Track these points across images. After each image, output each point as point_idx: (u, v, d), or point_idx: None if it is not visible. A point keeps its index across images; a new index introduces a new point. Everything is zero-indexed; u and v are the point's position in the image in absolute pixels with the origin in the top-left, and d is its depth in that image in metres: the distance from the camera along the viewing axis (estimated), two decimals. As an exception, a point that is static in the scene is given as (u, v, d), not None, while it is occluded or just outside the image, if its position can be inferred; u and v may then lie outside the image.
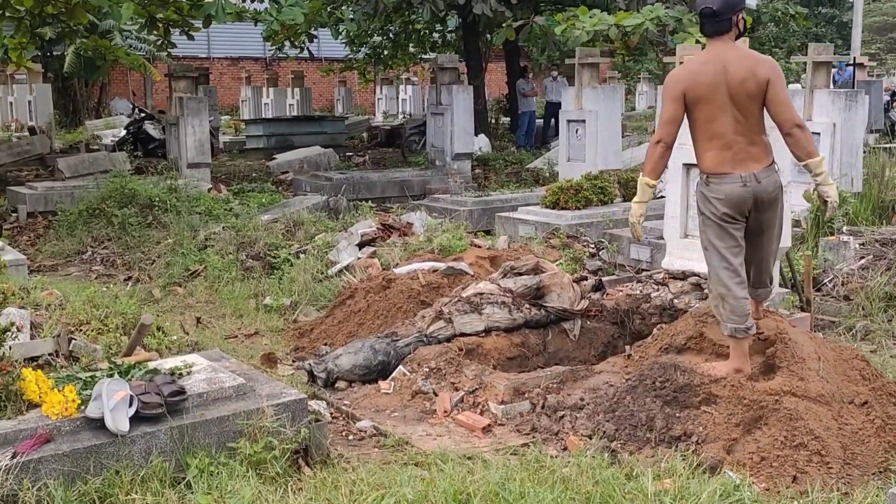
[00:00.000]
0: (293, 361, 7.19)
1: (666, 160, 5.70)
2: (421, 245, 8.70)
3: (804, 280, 7.68)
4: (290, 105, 28.89)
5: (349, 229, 9.61)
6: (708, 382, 5.60)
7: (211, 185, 14.16)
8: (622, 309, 7.73)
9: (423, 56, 25.67)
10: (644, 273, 8.25)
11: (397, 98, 33.31)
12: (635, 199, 5.86)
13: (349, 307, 7.61)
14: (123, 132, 21.77)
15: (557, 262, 8.68)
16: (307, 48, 22.48)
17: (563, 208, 11.08)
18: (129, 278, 9.77)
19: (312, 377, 6.66)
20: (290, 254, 9.33)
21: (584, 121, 13.38)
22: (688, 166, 7.73)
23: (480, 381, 6.25)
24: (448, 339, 7.00)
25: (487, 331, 7.13)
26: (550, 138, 23.31)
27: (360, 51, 24.21)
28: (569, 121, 13.65)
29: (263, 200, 12.46)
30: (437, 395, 6.21)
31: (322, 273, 8.53)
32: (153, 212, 11.67)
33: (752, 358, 5.69)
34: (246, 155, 23.31)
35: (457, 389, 6.26)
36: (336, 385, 6.60)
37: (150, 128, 20.61)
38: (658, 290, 7.95)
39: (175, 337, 6.40)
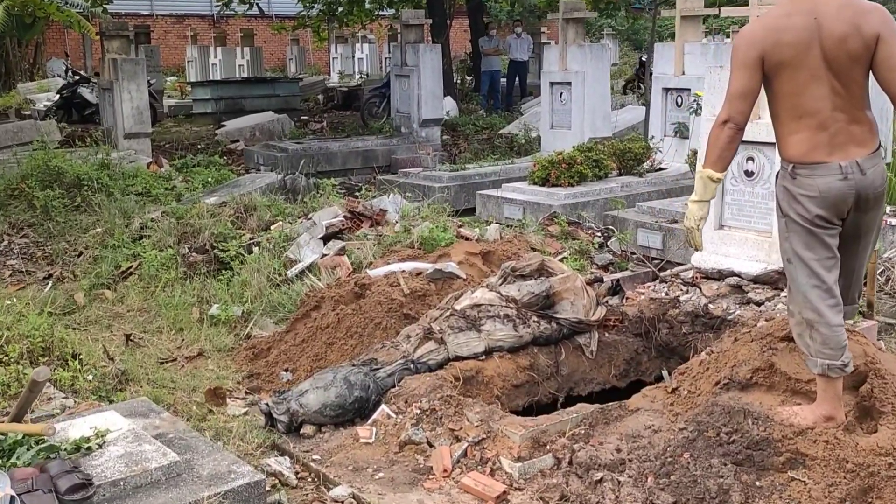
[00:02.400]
0: (246, 394, 5.76)
1: (736, 146, 4.32)
2: (398, 237, 7.27)
3: (867, 279, 6.35)
4: (239, 66, 27.07)
5: (312, 217, 8.14)
6: (792, 436, 4.29)
7: (151, 159, 12.54)
8: (646, 317, 6.39)
9: (381, 12, 23.98)
10: (668, 271, 6.89)
11: (353, 57, 31.58)
12: (694, 196, 4.47)
13: (315, 321, 6.17)
14: (56, 97, 19.97)
15: (561, 257, 7.29)
16: (257, 4, 20.76)
17: (554, 185, 9.69)
18: (50, 276, 8.23)
19: (272, 420, 5.24)
20: (241, 246, 7.85)
21: (569, 83, 11.99)
22: (724, 143, 6.34)
23: (488, 429, 4.87)
24: (440, 365, 5.62)
25: (488, 352, 5.76)
26: (515, 99, 21.89)
27: (313, 7, 22.46)
28: (552, 83, 12.24)
29: (210, 178, 10.91)
30: (432, 447, 4.83)
31: (280, 274, 7.07)
32: (82, 192, 10.09)
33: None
34: (193, 120, 21.60)
35: (458, 439, 4.88)
36: (302, 430, 5.19)
37: (86, 92, 18.88)
38: (688, 292, 6.61)
39: (91, 376, 4.93)
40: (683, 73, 10.76)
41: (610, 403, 5.13)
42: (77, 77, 19.53)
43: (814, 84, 4.07)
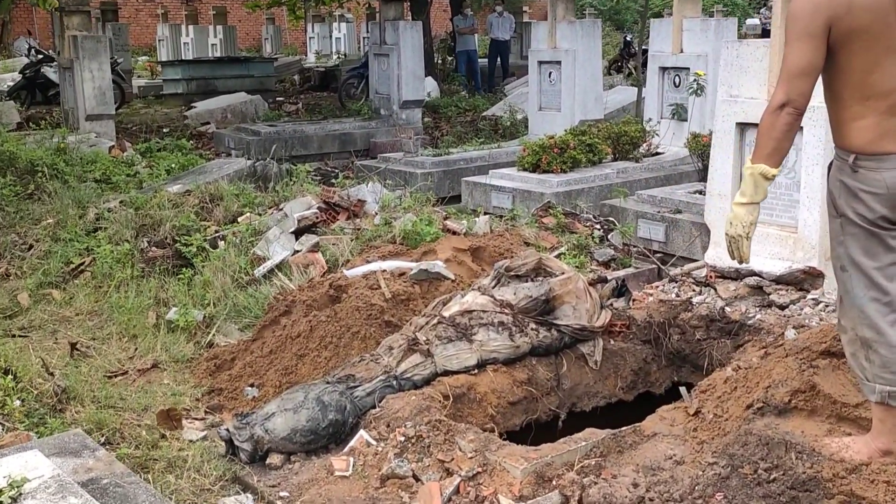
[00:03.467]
0: (206, 414, 5.06)
1: (794, 134, 3.64)
2: (378, 231, 6.56)
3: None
4: (212, 45, 26.16)
5: (283, 207, 7.41)
6: (845, 474, 3.64)
7: (113, 143, 11.75)
8: (656, 322, 5.72)
9: (359, -10, 23.17)
10: (679, 269, 6.21)
11: (330, 37, 30.70)
12: (740, 198, 3.77)
13: (284, 328, 5.47)
14: (19, 77, 19.09)
15: (559, 253, 6.60)
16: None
17: (545, 171, 8.99)
18: (-4, 272, 7.47)
19: (233, 448, 4.54)
20: (205, 240, 7.12)
21: (559, 62, 11.29)
22: (743, 126, 5.68)
23: (484, 460, 4.19)
24: (427, 381, 4.94)
25: (481, 365, 5.08)
26: (498, 80, 21.16)
27: (289, -17, 21.63)
28: (540, 62, 11.53)
29: (175, 164, 10.14)
30: (418, 482, 4.15)
31: (246, 273, 6.35)
32: (35, 179, 9.32)
33: None
34: (163, 101, 20.77)
35: (449, 472, 4.20)
36: (268, 460, 4.50)
37: (50, 72, 17.97)
38: (701, 293, 5.95)
39: (18, 402, 4.21)
40: (682, 51, 10.08)
41: (623, 428, 4.45)
42: (40, 56, 18.63)
43: (888, 59, 3.38)
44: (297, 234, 6.68)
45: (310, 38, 31.92)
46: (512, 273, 5.58)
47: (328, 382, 4.80)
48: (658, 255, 7.54)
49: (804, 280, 5.57)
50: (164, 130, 14.73)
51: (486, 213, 8.37)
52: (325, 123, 13.59)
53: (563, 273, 5.62)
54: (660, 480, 4.02)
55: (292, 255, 6.38)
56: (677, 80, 10.18)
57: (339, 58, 27.89)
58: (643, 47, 15.36)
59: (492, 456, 4.20)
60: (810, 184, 5.36)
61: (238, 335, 5.80)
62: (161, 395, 5.18)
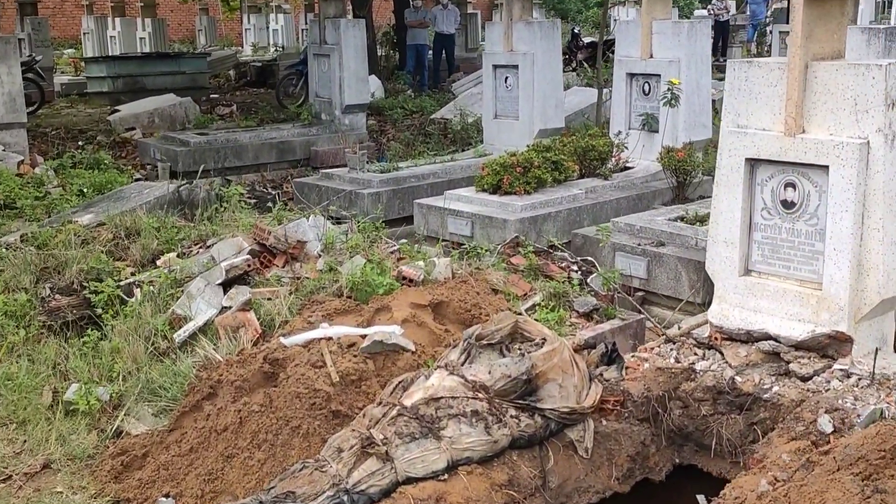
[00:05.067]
0: (109, 536, 4.04)
1: None
2: (321, 281, 5.58)
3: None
4: (140, 39, 24.72)
5: (210, 245, 6.38)
6: None
7: (23, 158, 10.55)
8: (654, 395, 4.82)
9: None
10: (678, 328, 5.32)
11: (267, 28, 29.43)
12: None
13: (209, 418, 4.47)
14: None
15: (533, 304, 5.68)
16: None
17: (507, 192, 8.05)
18: None
19: None
20: (118, 287, 6.07)
21: (515, 66, 10.34)
22: (754, 163, 4.79)
23: None
24: (386, 493, 3.99)
25: (452, 466, 4.13)
26: (443, 75, 20.20)
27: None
28: (496, 66, 10.57)
29: (90, 184, 9.03)
30: None
31: (164, 337, 5.31)
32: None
33: None
34: (87, 100, 19.44)
35: None
36: None
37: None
38: (705, 357, 5.06)
39: None
40: (651, 56, 9.19)
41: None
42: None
43: None
44: (226, 284, 5.65)
45: (245, 29, 30.58)
46: (484, 342, 4.64)
47: (261, 502, 3.82)
48: (639, 293, 6.65)
49: (828, 346, 4.71)
50: (86, 136, 13.50)
51: (443, 241, 7.45)
52: (261, 131, 12.49)
53: (543, 339, 4.69)
54: None
55: (219, 313, 5.36)
56: (647, 87, 9.31)
57: (276, 51, 26.68)
58: (605, 38, 14.50)
59: None
60: (838, 234, 4.50)
61: (152, 421, 4.78)
62: (53, 509, 4.15)
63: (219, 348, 5.04)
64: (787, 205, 4.76)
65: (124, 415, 4.85)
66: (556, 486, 4.41)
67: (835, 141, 4.48)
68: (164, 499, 4.22)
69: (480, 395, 4.32)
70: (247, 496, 4.11)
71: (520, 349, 4.67)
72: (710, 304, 6.39)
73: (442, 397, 4.25)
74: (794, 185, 4.72)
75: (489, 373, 4.41)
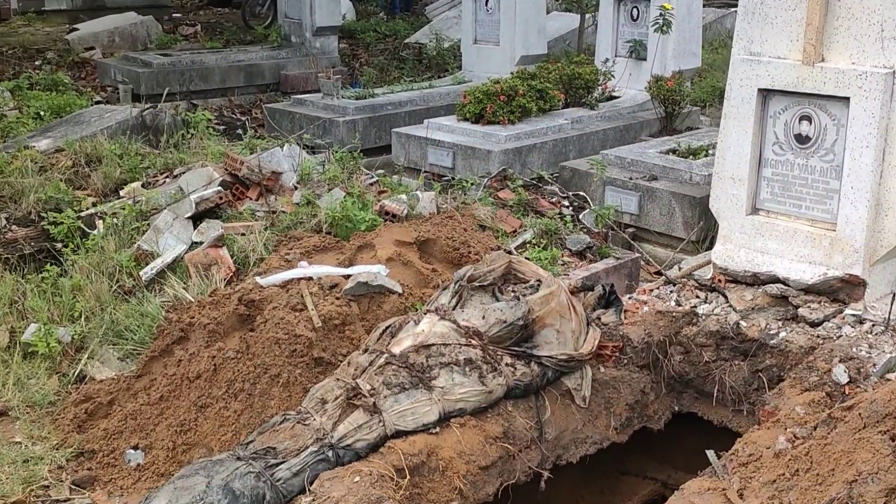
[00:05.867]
0: (71, 493, 3.74)
1: None
2: (298, 216, 5.23)
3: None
4: (100, -46, 23.67)
5: (177, 174, 5.98)
6: None
7: (-24, 79, 9.98)
8: (655, 341, 4.55)
9: None
10: (678, 269, 5.03)
11: (232, -55, 28.32)
12: None
13: (180, 364, 4.14)
14: None
15: (524, 241, 5.36)
16: None
17: (490, 122, 7.68)
18: None
19: (106, 563, 3.25)
20: (78, 218, 5.68)
21: (497, -12, 9.84)
22: (767, 94, 4.46)
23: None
24: (374, 447, 3.68)
25: (444, 418, 3.84)
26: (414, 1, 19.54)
27: None
28: (476, -13, 10.07)
29: (48, 107, 8.52)
30: None
31: (130, 274, 4.95)
32: None
33: None
34: (45, 18, 18.55)
35: None
36: (158, 579, 3.22)
37: None
38: (707, 300, 4.79)
39: None
40: (641, -21, 8.77)
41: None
42: None
43: None
44: (196, 218, 5.28)
45: (209, -54, 29.43)
46: (476, 283, 4.33)
47: (239, 458, 3.51)
48: (630, 229, 6.36)
49: (840, 290, 4.45)
50: (43, 56, 12.86)
51: (424, 173, 7.10)
52: (227, 53, 11.93)
53: (538, 281, 4.39)
54: None
55: (189, 249, 5.00)
56: (635, 12, 8.90)
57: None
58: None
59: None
60: (856, 170, 4.20)
61: (118, 366, 4.44)
62: (10, 462, 3.83)
63: (189, 287, 4.68)
64: (802, 139, 4.44)
65: (88, 358, 4.51)
66: (553, 438, 4.15)
67: (857, 70, 4.16)
68: (132, 451, 3.91)
69: (474, 342, 4.02)
70: (222, 449, 3.81)
71: (514, 291, 4.36)
72: (704, 241, 6.15)
73: (433, 344, 3.94)
74: (809, 119, 4.40)
75: (483, 318, 4.11)
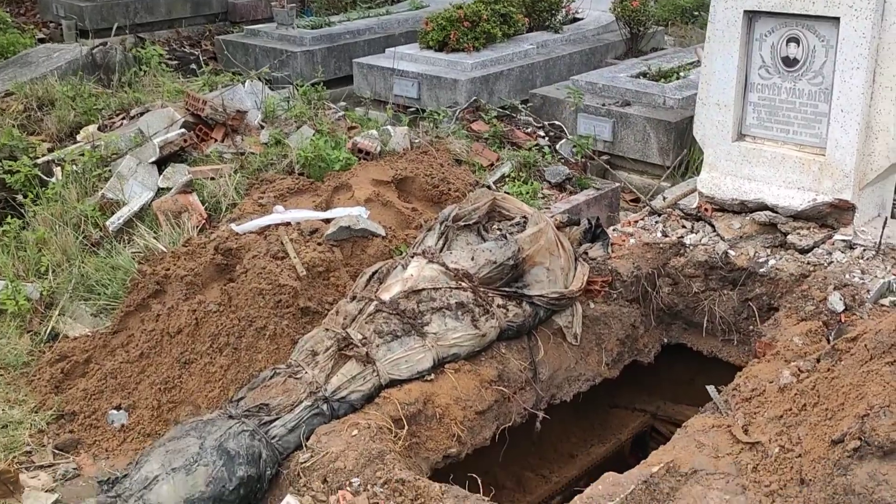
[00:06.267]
0: (55, 457, 3.60)
1: None
2: (268, 157, 5.03)
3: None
4: None
5: (134, 115, 5.73)
6: None
7: None
8: (643, 273, 4.47)
9: None
10: (662, 199, 4.94)
11: None
12: None
13: (158, 319, 3.97)
14: None
15: (502, 175, 5.23)
16: None
17: (454, 49, 7.46)
18: None
19: (100, 532, 3.13)
20: (35, 166, 5.43)
21: None
22: (752, 15, 4.33)
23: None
24: (369, 398, 3.57)
25: (438, 364, 3.73)
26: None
27: None
28: None
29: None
30: (383, 582, 2.85)
31: (96, 224, 4.74)
32: None
33: None
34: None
35: (425, 564, 2.91)
36: (154, 546, 3.11)
37: None
38: (694, 230, 4.71)
39: None
40: None
41: (653, 470, 3.21)
42: None
43: None
44: (161, 162, 5.06)
45: None
46: (461, 221, 4.20)
47: (232, 416, 3.38)
48: (604, 157, 6.24)
49: (829, 215, 4.39)
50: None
51: (389, 105, 6.90)
52: (173, -19, 11.46)
53: (524, 218, 4.27)
54: (723, 557, 2.86)
55: (156, 196, 4.79)
56: (598, -71, 8.66)
57: None
58: None
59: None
60: (847, 93, 4.11)
61: (91, 322, 4.25)
62: (-13, 428, 3.66)
63: (160, 237, 4.49)
64: (789, 62, 4.33)
65: (59, 315, 4.31)
66: (547, 378, 4.08)
67: (849, -10, 4.03)
68: (114, 411, 3.76)
69: (464, 285, 3.90)
70: (210, 407, 3.68)
71: (500, 229, 4.24)
72: (680, 167, 6.06)
73: (423, 289, 3.82)
74: (797, 41, 4.28)
75: (472, 259, 3.98)
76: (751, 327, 4.33)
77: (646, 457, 4.96)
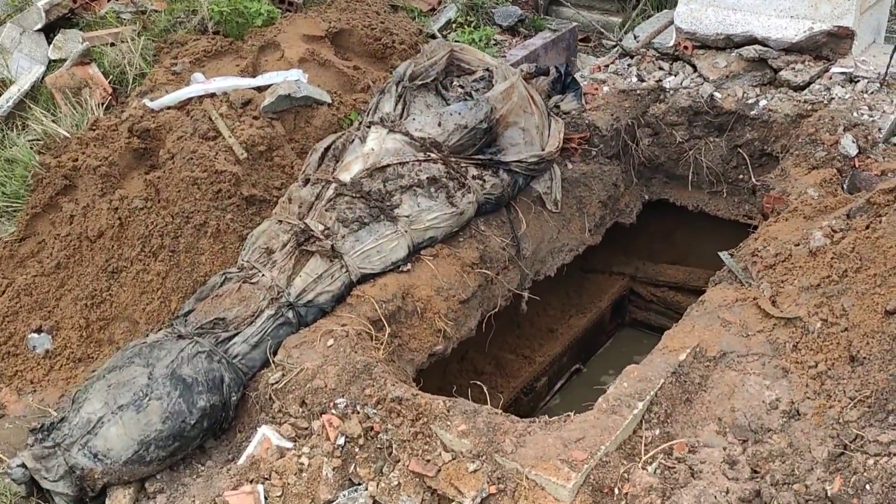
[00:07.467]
0: (-29, 398, 3.03)
1: None
2: (175, 14, 4.30)
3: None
4: None
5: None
6: None
7: None
8: (623, 125, 3.97)
9: None
10: (631, 38, 4.39)
11: None
12: None
13: (73, 221, 3.35)
14: None
15: (448, 20, 4.59)
16: None
17: None
18: None
19: (40, 491, 2.60)
20: None
21: None
22: None
23: (496, 469, 2.48)
24: (339, 298, 3.05)
25: (414, 251, 3.22)
26: None
27: None
28: None
29: None
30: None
31: (-20, 110, 3.99)
32: None
33: None
34: None
35: (436, 496, 2.47)
36: (108, 500, 2.60)
37: None
38: (673, 72, 4.20)
39: None
40: None
41: (681, 358, 2.80)
42: None
43: None
44: (48, 30, 4.26)
45: None
46: (418, 80, 3.60)
47: (182, 336, 2.84)
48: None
49: (825, 45, 3.92)
50: None
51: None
52: None
53: (487, 70, 3.70)
54: (772, 453, 2.50)
55: (48, 71, 4.04)
56: None
57: None
58: None
59: (508, 463, 2.48)
60: None
61: (-7, 229, 3.58)
62: None
63: (60, 120, 3.77)
64: None
65: (-51, 222, 3.62)
66: (531, 254, 3.61)
67: None
68: (35, 335, 3.17)
69: (434, 156, 3.35)
70: (150, 323, 3.12)
71: (462, 87, 3.66)
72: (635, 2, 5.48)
73: (388, 165, 3.25)
74: None
75: (439, 125, 3.42)
76: (741, 176, 3.92)
77: (625, 323, 4.71)
